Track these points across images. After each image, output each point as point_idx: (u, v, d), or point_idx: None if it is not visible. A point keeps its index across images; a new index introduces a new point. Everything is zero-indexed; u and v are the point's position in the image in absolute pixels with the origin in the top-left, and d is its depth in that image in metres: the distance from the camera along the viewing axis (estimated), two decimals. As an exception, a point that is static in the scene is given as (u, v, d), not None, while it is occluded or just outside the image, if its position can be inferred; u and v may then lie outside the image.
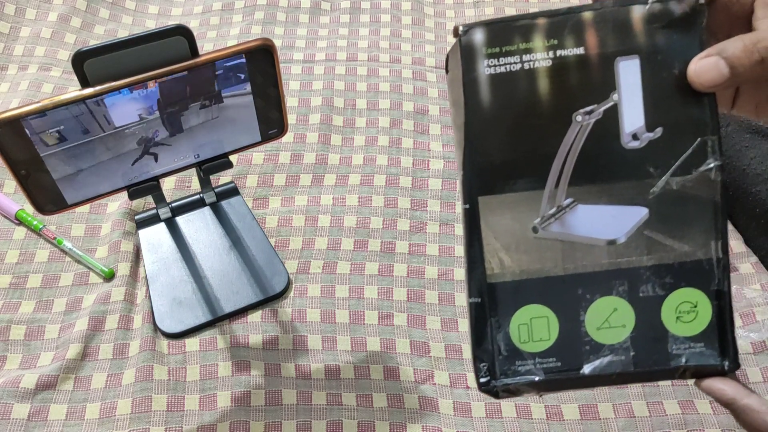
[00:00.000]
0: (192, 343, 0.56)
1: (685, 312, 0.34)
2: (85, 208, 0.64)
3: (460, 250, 0.62)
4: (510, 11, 0.83)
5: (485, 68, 0.34)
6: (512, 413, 0.53)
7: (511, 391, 0.35)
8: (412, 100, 0.73)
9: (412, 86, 0.74)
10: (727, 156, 0.62)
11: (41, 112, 0.42)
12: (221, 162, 0.53)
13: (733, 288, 0.57)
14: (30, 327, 0.56)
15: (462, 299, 0.59)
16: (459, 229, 0.64)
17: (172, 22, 0.74)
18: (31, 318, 0.57)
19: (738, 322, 0.57)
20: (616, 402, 0.53)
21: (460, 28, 0.33)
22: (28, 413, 0.51)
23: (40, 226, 0.61)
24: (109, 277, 0.59)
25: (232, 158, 0.53)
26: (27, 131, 0.43)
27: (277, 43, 0.78)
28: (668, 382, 0.54)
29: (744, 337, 0.55)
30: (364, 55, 0.77)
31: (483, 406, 0.53)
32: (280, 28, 0.80)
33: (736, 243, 0.61)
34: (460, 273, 0.61)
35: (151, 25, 0.81)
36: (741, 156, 0.61)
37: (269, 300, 0.58)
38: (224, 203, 0.63)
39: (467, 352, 0.56)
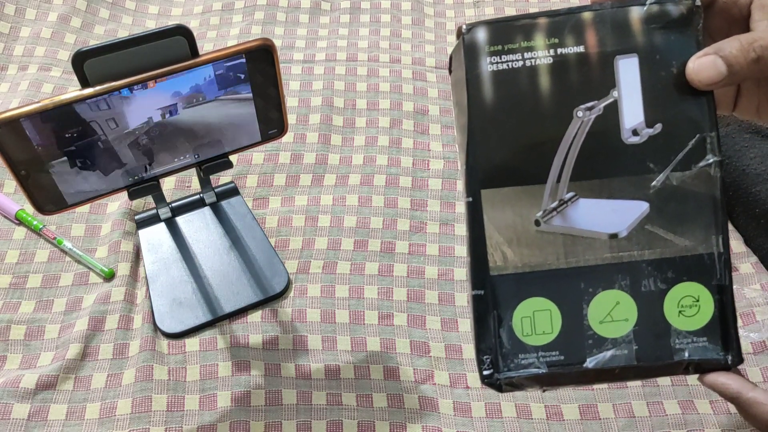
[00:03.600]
0: (192, 343, 0.56)
1: (688, 306, 0.35)
2: (85, 208, 0.64)
3: (460, 250, 0.62)
4: (510, 11, 0.83)
5: (488, 65, 0.34)
6: (512, 413, 0.53)
7: (515, 385, 0.35)
8: (412, 100, 0.73)
9: (412, 86, 0.74)
10: (727, 156, 0.62)
11: (41, 112, 0.42)
12: (221, 162, 0.53)
13: (734, 287, 0.57)
14: (30, 327, 0.56)
15: (462, 299, 0.59)
16: (459, 229, 0.64)
17: (172, 22, 0.74)
18: (31, 318, 0.57)
19: (738, 322, 0.57)
20: (616, 402, 0.53)
21: (463, 27, 0.34)
22: (28, 413, 0.51)
23: (40, 226, 0.61)
24: (109, 277, 0.59)
25: (232, 158, 0.53)
26: (27, 131, 0.43)
27: (277, 43, 0.78)
28: (668, 382, 0.54)
29: (744, 337, 0.55)
30: (364, 55, 0.77)
31: (483, 406, 0.53)
32: (280, 28, 0.80)
33: (736, 243, 0.61)
34: (460, 273, 0.61)
35: (151, 25, 0.81)
36: (741, 156, 0.61)
37: (269, 300, 0.58)
38: (224, 203, 0.63)
39: (467, 352, 0.56)
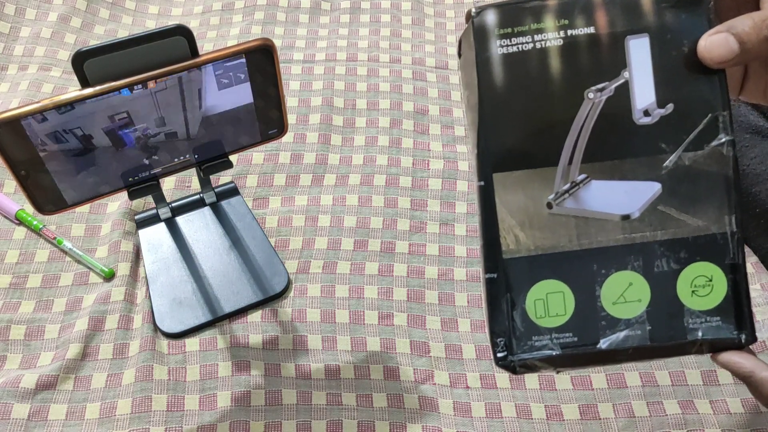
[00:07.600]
0: (192, 343, 0.56)
1: (701, 286, 0.35)
2: (85, 208, 0.64)
3: (460, 250, 0.62)
4: (510, 11, 0.83)
5: (498, 48, 0.34)
6: (512, 413, 0.53)
7: (529, 367, 0.35)
8: (412, 100, 0.73)
9: (412, 86, 0.74)
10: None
11: (41, 112, 0.42)
12: (221, 162, 0.53)
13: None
14: (30, 327, 0.56)
15: (462, 299, 0.59)
16: (459, 229, 0.64)
17: (172, 22, 0.74)
18: (31, 318, 0.57)
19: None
20: (616, 402, 0.53)
21: (473, 10, 0.34)
22: (28, 413, 0.51)
23: (40, 226, 0.61)
24: (109, 277, 0.59)
25: (232, 158, 0.53)
26: (27, 131, 0.43)
27: (277, 43, 0.78)
28: (668, 382, 0.54)
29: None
30: (364, 55, 0.77)
31: (483, 406, 0.53)
32: (280, 28, 0.80)
33: (736, 243, 0.61)
34: (460, 273, 0.61)
35: (151, 25, 0.81)
36: (741, 156, 0.61)
37: (269, 300, 0.58)
38: (224, 203, 0.63)
39: (467, 352, 0.56)
